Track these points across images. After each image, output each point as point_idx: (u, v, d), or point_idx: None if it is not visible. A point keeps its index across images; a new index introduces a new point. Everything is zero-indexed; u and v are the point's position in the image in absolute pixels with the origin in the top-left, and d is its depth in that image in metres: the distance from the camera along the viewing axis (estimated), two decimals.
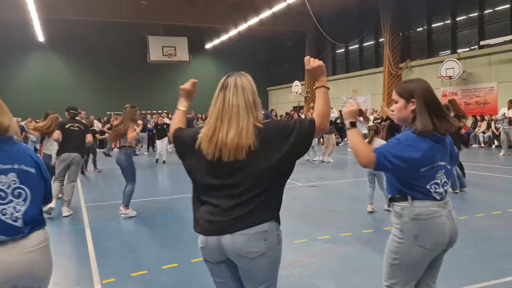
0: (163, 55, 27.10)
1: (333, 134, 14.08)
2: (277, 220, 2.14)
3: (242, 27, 25.18)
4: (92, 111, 22.24)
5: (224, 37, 28.53)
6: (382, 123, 16.33)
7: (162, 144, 15.01)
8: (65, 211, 7.07)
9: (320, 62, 2.22)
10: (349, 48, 26.48)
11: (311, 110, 23.58)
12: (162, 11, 23.06)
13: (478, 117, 17.43)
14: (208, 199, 2.12)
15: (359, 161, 2.36)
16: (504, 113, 13.50)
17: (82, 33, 27.18)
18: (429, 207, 2.37)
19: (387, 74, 22.05)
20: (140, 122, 7.34)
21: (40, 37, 25.69)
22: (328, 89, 2.22)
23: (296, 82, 28.63)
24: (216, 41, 30.11)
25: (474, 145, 17.19)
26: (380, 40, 23.35)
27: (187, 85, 2.53)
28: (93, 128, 13.26)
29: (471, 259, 4.58)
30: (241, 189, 2.07)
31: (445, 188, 2.43)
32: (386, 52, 22.06)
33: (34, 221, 2.14)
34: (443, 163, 2.42)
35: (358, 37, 25.05)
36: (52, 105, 14.04)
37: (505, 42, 16.88)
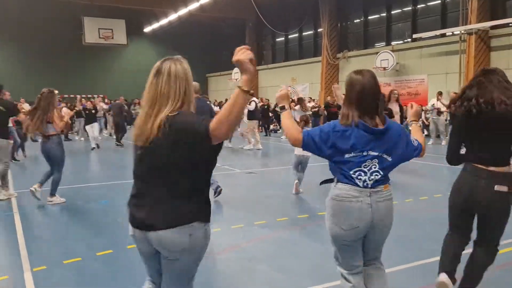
0: (100, 37, 26.03)
1: (255, 121, 14.11)
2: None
3: (183, 11, 24.71)
4: (22, 94, 21.01)
5: (164, 21, 27.87)
6: (321, 108, 16.73)
7: (92, 130, 14.48)
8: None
9: (245, 56, 1.97)
10: (289, 37, 26.81)
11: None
12: None
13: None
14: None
15: (289, 139, 2.59)
16: (433, 104, 14.26)
17: (14, 11, 25.52)
18: (348, 191, 2.52)
19: (325, 63, 22.57)
20: (65, 110, 7.04)
21: None
22: (247, 92, 1.93)
23: (236, 69, 28.51)
24: (156, 25, 29.36)
25: None
26: (319, 30, 23.81)
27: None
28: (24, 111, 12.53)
29: (396, 242, 4.82)
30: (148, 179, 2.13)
31: (373, 177, 2.51)
32: (325, 42, 22.55)
33: None
34: (375, 153, 2.50)
35: (298, 26, 25.41)
36: None
37: (436, 36, 17.81)
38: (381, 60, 19.35)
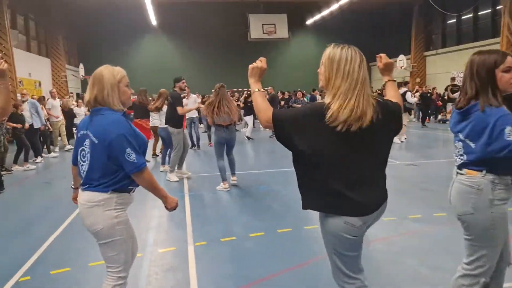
0: (263, 32, 27.35)
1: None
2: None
3: (344, 1, 24.47)
4: (197, 88, 23.46)
5: (325, 12, 27.98)
6: None
7: (250, 121, 15.53)
8: (172, 177, 7.99)
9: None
10: (462, 18, 24.43)
11: (416, 87, 22.39)
12: None
13: None
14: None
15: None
16: None
17: (189, 16, 28.70)
18: None
19: (505, 45, 20.00)
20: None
21: (153, 21, 27.53)
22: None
23: (401, 57, 27.19)
24: (317, 17, 29.65)
25: None
26: (497, 7, 21.18)
27: (262, 64, 2.40)
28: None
29: None
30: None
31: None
32: (505, 21, 19.96)
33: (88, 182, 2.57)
34: None
35: (472, 5, 23.00)
36: (162, 84, 15.04)
37: None
38: None
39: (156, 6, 23.96)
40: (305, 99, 22.45)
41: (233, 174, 7.54)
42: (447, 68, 24.28)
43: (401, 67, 27.03)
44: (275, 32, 27.17)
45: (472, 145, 2.39)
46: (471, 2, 22.96)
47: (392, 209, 5.69)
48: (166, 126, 8.15)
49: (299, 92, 17.49)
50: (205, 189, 7.33)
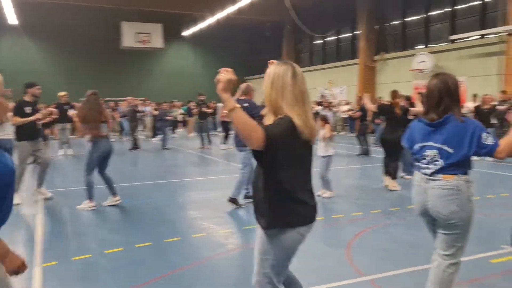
0: (137, 41, 26.79)
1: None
2: None
3: (220, 15, 25.04)
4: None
5: (202, 25, 28.35)
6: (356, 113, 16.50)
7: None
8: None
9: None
10: (326, 39, 26.64)
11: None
12: None
13: None
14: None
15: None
16: (468, 107, 13.82)
17: (58, 19, 26.83)
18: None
19: (362, 66, 22.28)
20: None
21: (12, 20, 25.10)
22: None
23: None
24: (194, 29, 29.91)
25: None
26: (356, 32, 23.53)
27: (233, 75, 2.17)
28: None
29: (409, 244, 4.76)
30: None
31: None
32: (362, 44, 22.27)
33: None
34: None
35: (335, 29, 25.23)
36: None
37: (475, 38, 17.23)
38: (418, 62, 18.89)
39: (16, 3, 21.92)
40: (182, 110, 22.47)
41: (115, 193, 6.75)
42: (314, 84, 26.20)
43: None
44: (150, 42, 26.77)
45: (451, 150, 2.78)
46: (334, 25, 25.15)
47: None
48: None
49: (165, 104, 17.93)
50: (64, 204, 6.91)
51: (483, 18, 17.29)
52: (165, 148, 14.87)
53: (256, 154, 2.21)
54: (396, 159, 7.95)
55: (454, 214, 2.79)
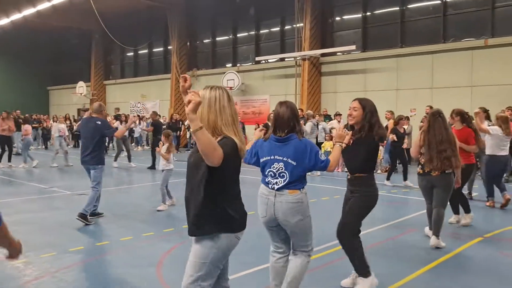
0: None
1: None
2: None
3: (15, 16, 22.48)
4: None
5: None
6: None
7: None
8: None
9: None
10: (138, 52, 26.26)
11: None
12: None
13: (256, 125, 19.25)
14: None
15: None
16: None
17: None
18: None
19: (174, 81, 22.60)
20: None
21: None
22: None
23: (81, 83, 26.98)
24: None
25: None
26: (169, 47, 23.80)
27: (200, 98, 2.27)
28: None
29: None
30: None
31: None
32: (174, 60, 22.62)
33: None
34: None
35: (146, 42, 25.10)
36: None
37: (277, 60, 19.19)
38: (227, 80, 20.08)
39: None
40: None
41: None
42: (126, 98, 25.51)
43: (81, 93, 26.75)
44: None
45: (294, 163, 3.31)
46: (147, 39, 24.99)
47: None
48: None
49: None
50: None
51: (283, 43, 19.39)
52: None
53: (210, 170, 2.39)
54: None
55: (299, 222, 3.33)
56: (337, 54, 17.44)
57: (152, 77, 25.00)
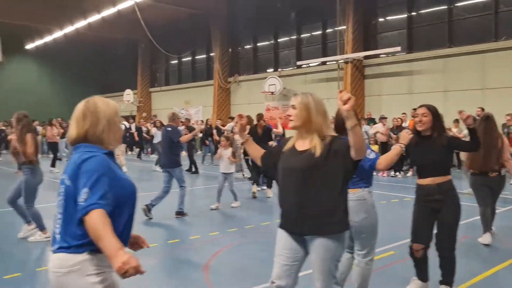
0: None
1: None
2: None
3: (69, 29, 23.53)
4: None
5: (48, 39, 26.28)
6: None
7: None
8: None
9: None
10: (182, 60, 26.79)
11: (142, 120, 23.10)
12: None
13: None
14: None
15: None
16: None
17: None
18: None
19: (217, 87, 22.86)
20: None
21: None
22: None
23: (128, 91, 27.80)
24: (39, 42, 27.57)
25: None
26: (211, 54, 24.12)
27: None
28: None
29: (262, 261, 4.91)
30: None
31: None
32: (216, 66, 22.89)
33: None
34: None
35: (190, 49, 25.55)
36: None
37: (318, 64, 19.00)
38: (269, 85, 20.07)
39: None
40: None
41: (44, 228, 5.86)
42: (170, 104, 26.06)
43: (128, 101, 27.55)
44: None
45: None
46: (190, 47, 25.44)
47: None
48: None
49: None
50: None
51: (325, 47, 19.18)
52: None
53: (354, 164, 2.56)
54: None
55: (363, 220, 3.35)
56: (381, 56, 17.05)
57: (195, 83, 25.41)
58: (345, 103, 2.32)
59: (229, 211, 7.75)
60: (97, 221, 1.80)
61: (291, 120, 2.66)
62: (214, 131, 16.92)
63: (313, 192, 2.56)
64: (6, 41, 25.89)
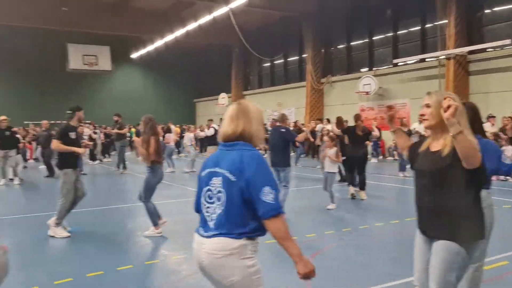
0: (84, 63, 26.14)
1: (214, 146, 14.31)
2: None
3: (169, 38, 24.97)
4: (14, 120, 20.98)
5: (150, 48, 28.11)
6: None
7: None
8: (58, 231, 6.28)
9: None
10: (274, 62, 27.14)
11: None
12: (85, 19, 22.22)
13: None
14: None
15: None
16: (414, 128, 14.35)
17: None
18: None
19: (309, 88, 22.81)
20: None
21: None
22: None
23: (223, 94, 28.80)
24: (142, 51, 29.59)
25: (389, 158, 18.28)
26: (303, 55, 24.14)
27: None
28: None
29: (362, 265, 4.81)
30: None
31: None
32: (309, 68, 22.85)
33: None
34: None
35: (282, 52, 25.78)
36: None
37: (416, 61, 18.16)
38: (364, 85, 19.60)
39: None
40: (129, 134, 21.94)
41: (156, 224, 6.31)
42: (264, 106, 26.49)
43: (223, 104, 28.53)
44: (97, 64, 26.19)
45: None
46: (282, 49, 25.69)
47: None
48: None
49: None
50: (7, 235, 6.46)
51: (424, 43, 18.28)
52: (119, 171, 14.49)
53: (470, 172, 2.39)
54: (363, 172, 9.04)
55: None
56: (488, 50, 15.84)
57: (288, 85, 25.59)
58: (445, 110, 2.25)
59: (325, 213, 7.70)
60: (284, 224, 2.18)
61: (425, 120, 2.58)
62: (306, 133, 16.91)
63: (442, 195, 2.48)
64: (114, 51, 28.30)
